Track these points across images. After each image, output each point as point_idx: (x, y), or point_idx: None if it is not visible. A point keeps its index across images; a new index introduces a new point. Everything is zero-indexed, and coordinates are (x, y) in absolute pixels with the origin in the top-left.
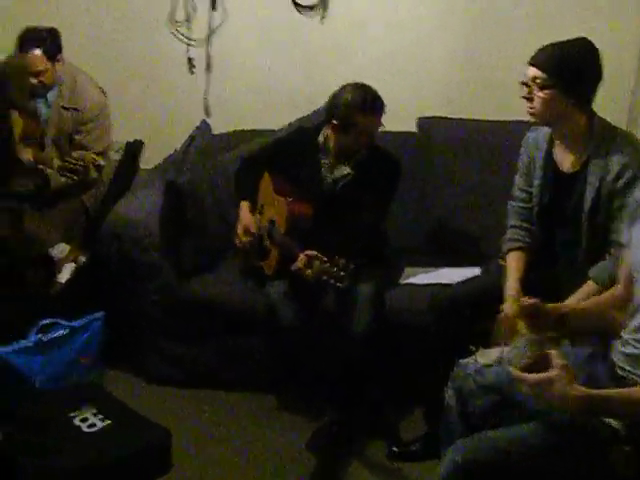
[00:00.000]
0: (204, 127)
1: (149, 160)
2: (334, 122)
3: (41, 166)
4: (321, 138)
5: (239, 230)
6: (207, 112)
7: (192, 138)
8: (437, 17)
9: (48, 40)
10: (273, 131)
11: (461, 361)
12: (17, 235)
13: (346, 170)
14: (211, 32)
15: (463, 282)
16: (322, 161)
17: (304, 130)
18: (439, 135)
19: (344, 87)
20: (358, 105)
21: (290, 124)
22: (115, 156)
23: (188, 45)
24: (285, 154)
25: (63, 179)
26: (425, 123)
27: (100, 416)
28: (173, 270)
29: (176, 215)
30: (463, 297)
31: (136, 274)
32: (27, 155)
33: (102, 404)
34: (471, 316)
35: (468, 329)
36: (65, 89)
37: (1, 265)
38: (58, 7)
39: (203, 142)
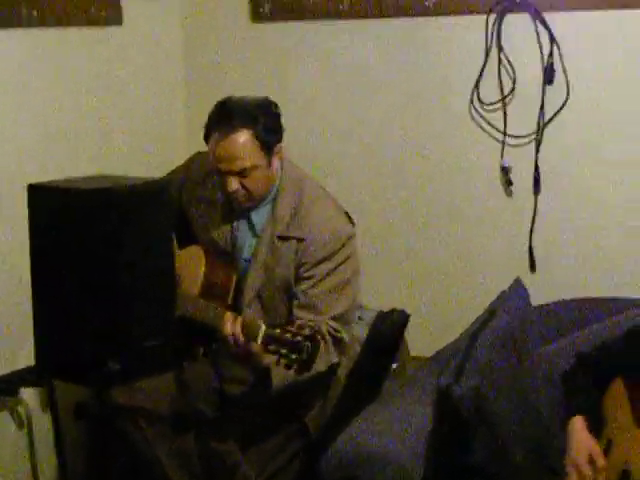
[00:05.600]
0: (516, 292)
1: (417, 345)
2: None
3: (244, 342)
4: None
5: (578, 460)
6: (532, 264)
7: (490, 312)
8: None
9: (262, 118)
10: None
11: None
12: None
13: None
14: (543, 123)
15: None
16: None
17: None
18: None
19: None
20: None
21: None
22: (358, 331)
23: (503, 146)
24: None
25: (278, 366)
26: None
27: None
28: None
29: (455, 448)
30: None
31: None
32: (218, 320)
33: None
34: None
35: None
36: (283, 206)
37: None
38: (291, 66)
39: (510, 318)
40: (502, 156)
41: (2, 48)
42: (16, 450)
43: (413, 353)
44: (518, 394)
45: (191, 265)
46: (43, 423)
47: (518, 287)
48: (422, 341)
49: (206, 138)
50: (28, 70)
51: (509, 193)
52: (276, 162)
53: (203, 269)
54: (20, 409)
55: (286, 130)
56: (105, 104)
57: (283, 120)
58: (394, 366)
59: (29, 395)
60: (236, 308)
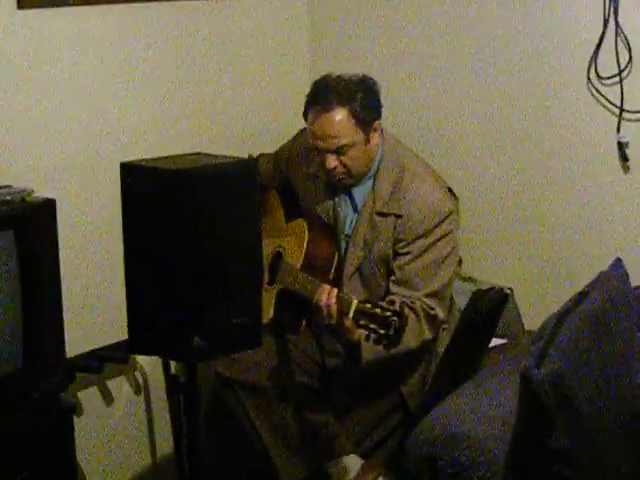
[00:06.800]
0: (615, 272)
1: (532, 319)
2: None
3: (336, 314)
4: None
5: None
6: None
7: (583, 293)
8: None
9: (359, 95)
10: None
11: None
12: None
13: None
14: None
15: None
16: None
17: None
18: None
19: None
20: None
21: None
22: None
23: (619, 120)
24: None
25: (364, 336)
26: None
27: None
28: None
29: (537, 433)
30: None
31: None
32: (314, 291)
33: None
34: None
35: None
36: (383, 183)
37: None
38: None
39: (603, 299)
40: (618, 131)
41: (108, 21)
42: (133, 416)
43: (529, 328)
44: (606, 379)
45: (295, 238)
46: (161, 391)
47: (617, 267)
48: (536, 315)
49: (305, 116)
50: (128, 46)
51: (625, 169)
52: (375, 139)
53: (306, 242)
54: (137, 375)
55: (390, 105)
56: (217, 82)
57: (390, 94)
58: (500, 342)
59: (146, 362)
60: (338, 282)
